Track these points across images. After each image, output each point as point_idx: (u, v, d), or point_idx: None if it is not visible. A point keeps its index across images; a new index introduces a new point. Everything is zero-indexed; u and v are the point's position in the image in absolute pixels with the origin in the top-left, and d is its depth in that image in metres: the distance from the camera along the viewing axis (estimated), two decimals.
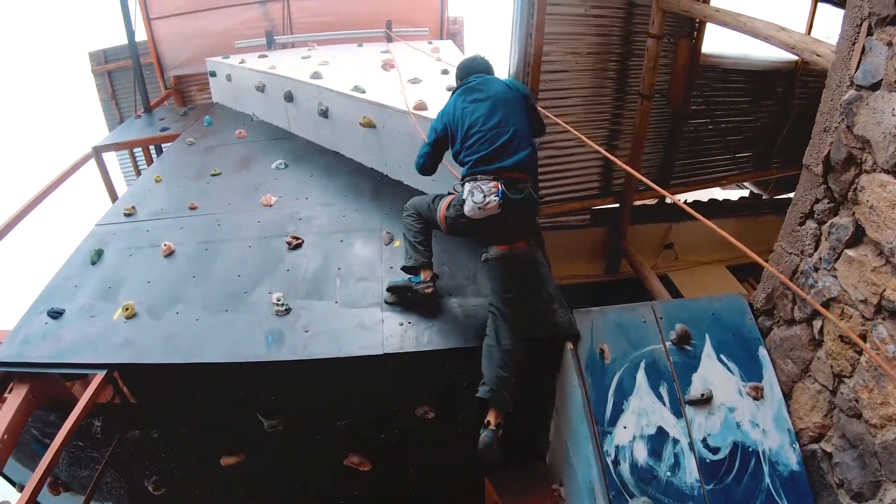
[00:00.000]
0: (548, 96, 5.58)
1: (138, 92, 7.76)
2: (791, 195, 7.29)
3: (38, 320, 4.03)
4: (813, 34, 6.28)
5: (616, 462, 3.20)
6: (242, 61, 6.95)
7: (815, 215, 3.02)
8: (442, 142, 3.51)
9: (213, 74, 7.48)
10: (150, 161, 8.19)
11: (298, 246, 4.33)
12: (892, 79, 2.45)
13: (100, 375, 3.58)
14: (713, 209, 6.88)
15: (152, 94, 8.19)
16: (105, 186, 7.27)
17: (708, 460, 3.15)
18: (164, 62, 8.40)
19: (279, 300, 3.80)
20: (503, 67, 5.53)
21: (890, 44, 2.47)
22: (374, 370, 3.57)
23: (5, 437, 3.44)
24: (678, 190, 6.80)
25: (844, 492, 2.84)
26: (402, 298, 3.73)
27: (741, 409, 3.26)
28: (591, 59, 5.65)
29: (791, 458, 3.12)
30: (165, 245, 4.48)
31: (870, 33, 2.59)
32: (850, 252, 2.75)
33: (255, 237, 4.49)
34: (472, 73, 3.59)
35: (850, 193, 2.74)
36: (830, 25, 6.59)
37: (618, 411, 3.33)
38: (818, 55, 3.73)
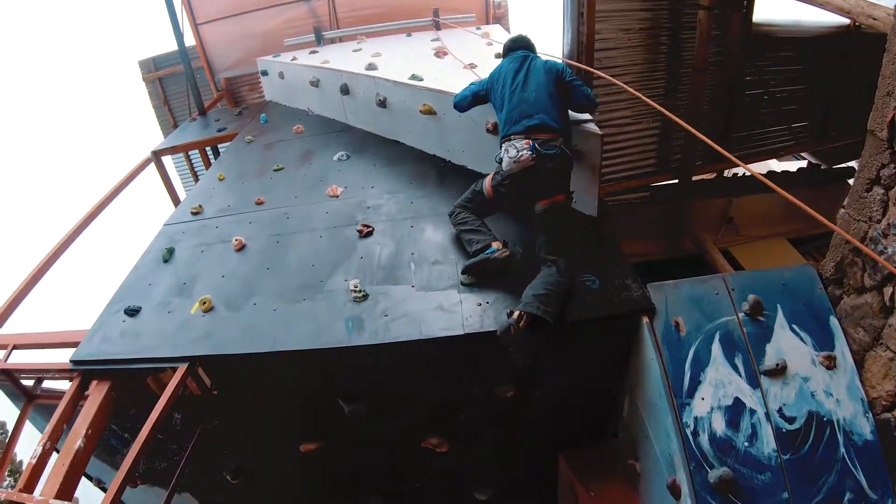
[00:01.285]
0: (604, 64, 5.53)
1: (191, 95, 7.92)
2: (851, 164, 7.16)
3: (116, 319, 4.16)
4: None
5: (695, 433, 3.21)
6: (294, 58, 7.07)
7: (882, 181, 2.97)
8: (481, 95, 4.12)
9: (264, 73, 7.61)
10: (206, 163, 8.39)
11: (369, 234, 4.39)
12: None
13: (182, 368, 3.68)
14: (773, 180, 6.71)
15: (204, 98, 8.35)
16: (165, 188, 7.46)
17: (784, 430, 3.14)
18: (213, 65, 8.58)
19: (356, 287, 3.86)
20: (556, 48, 5.54)
21: None
22: (455, 351, 3.60)
23: (89, 432, 3.59)
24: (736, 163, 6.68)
25: None
26: (481, 274, 3.80)
27: (815, 378, 3.24)
28: (642, 35, 5.59)
29: (865, 428, 3.08)
30: (237, 240, 4.58)
31: None
32: None
33: (326, 227, 4.56)
34: (517, 48, 4.23)
35: None
36: None
37: (695, 383, 3.34)
38: (875, 19, 3.64)
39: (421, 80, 5.14)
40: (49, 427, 3.67)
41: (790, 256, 6.38)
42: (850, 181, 6.69)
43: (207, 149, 8.31)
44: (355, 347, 3.55)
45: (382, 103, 5.54)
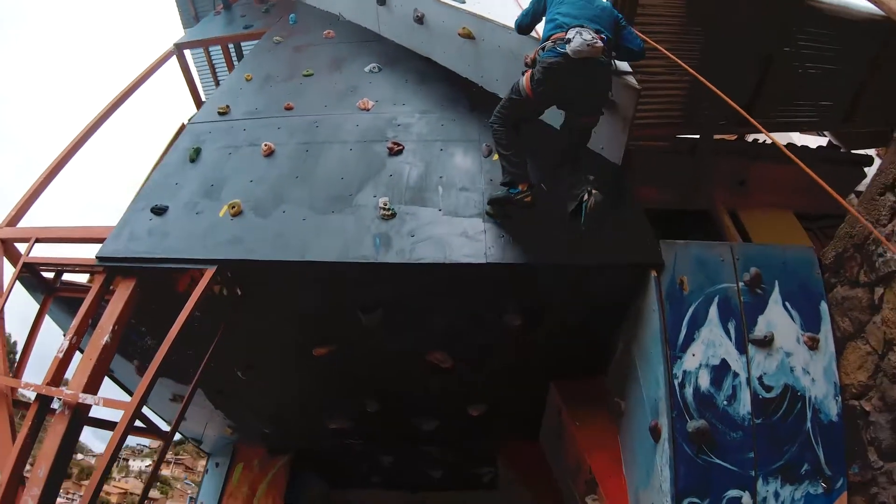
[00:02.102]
0: (642, 21, 5.47)
1: None
2: (870, 151, 7.21)
3: (142, 216, 4.20)
4: None
5: (682, 385, 3.50)
6: None
7: None
8: (541, 7, 3.97)
9: None
10: (228, 61, 8.16)
11: (399, 152, 4.43)
12: None
13: (210, 271, 3.78)
14: (791, 152, 6.78)
15: None
16: (186, 84, 7.30)
17: (761, 397, 3.46)
18: None
19: (385, 205, 3.95)
20: None
21: None
22: (475, 277, 3.77)
23: (115, 328, 3.72)
24: (759, 130, 6.72)
25: (874, 448, 3.11)
26: (504, 211, 3.89)
27: (797, 355, 3.52)
28: None
29: (832, 409, 3.40)
30: (266, 145, 4.59)
31: None
32: None
33: (356, 141, 4.59)
34: None
35: None
36: None
37: (689, 339, 3.61)
38: None
39: (463, 2, 5.05)
40: (75, 321, 3.79)
41: (794, 230, 6.50)
42: (865, 169, 6.84)
43: (230, 46, 8.07)
44: (382, 264, 3.68)
45: (420, 19, 5.46)
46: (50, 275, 4.63)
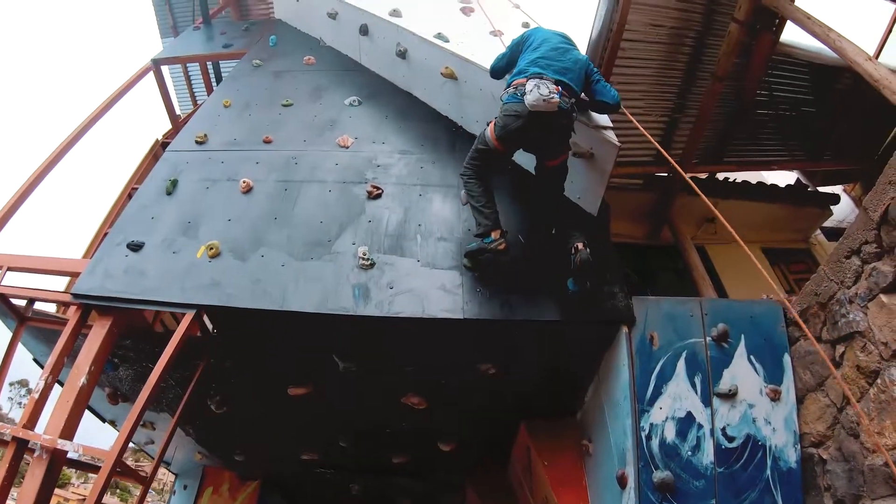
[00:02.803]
0: (622, 64, 5.58)
1: (199, 1, 7.57)
2: (836, 189, 7.47)
3: (118, 252, 4.14)
4: (890, 40, 6.27)
5: (649, 437, 3.66)
6: None
7: (861, 254, 3.30)
8: (517, 53, 4.05)
9: None
10: (206, 78, 8.03)
11: (378, 196, 4.44)
12: None
13: (190, 315, 3.77)
14: (760, 191, 6.99)
15: (210, 2, 7.96)
16: (163, 102, 7.15)
17: (723, 447, 3.62)
18: None
19: (365, 254, 3.97)
20: (585, 31, 5.55)
21: None
22: (452, 330, 3.83)
23: (92, 369, 3.68)
24: (730, 168, 6.92)
25: (830, 496, 3.28)
26: (479, 261, 3.96)
27: (759, 406, 3.69)
28: (670, 33, 5.61)
29: (791, 457, 3.58)
30: (244, 182, 4.55)
31: None
32: (884, 297, 3.06)
33: (335, 181, 4.59)
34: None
35: None
36: None
37: (657, 393, 3.77)
38: None
39: (447, 41, 5.07)
40: (50, 361, 3.73)
41: (760, 262, 6.71)
42: (833, 207, 7.08)
43: (208, 63, 7.95)
44: (361, 317, 3.71)
45: (402, 54, 5.47)
46: (21, 302, 4.49)
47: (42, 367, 5.20)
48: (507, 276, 3.95)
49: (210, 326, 4.01)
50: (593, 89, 4.00)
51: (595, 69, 4.07)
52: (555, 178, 4.01)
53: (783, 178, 8.01)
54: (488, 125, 3.82)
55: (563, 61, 3.82)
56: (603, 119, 4.17)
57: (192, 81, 8.69)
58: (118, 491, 29.75)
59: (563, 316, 3.85)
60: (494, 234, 3.79)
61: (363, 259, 3.97)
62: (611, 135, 4.05)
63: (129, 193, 7.35)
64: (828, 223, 7.46)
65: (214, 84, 7.98)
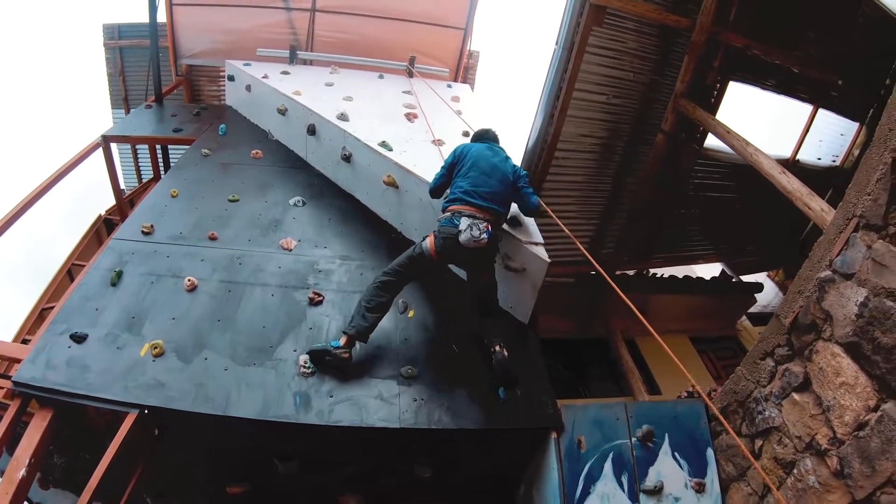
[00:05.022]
0: (556, 171, 5.99)
1: (152, 78, 7.69)
2: (758, 278, 7.98)
3: (60, 342, 4.11)
4: (808, 138, 6.90)
5: None
6: (265, 76, 7.03)
7: (775, 356, 3.68)
8: (451, 169, 4.37)
9: (231, 79, 7.54)
10: (153, 158, 8.12)
11: (320, 303, 4.58)
12: (863, 276, 3.05)
13: (133, 415, 3.76)
14: (686, 285, 7.45)
15: (163, 80, 8.08)
16: (109, 178, 7.13)
17: None
18: (179, 49, 8.26)
19: (305, 363, 4.10)
20: (520, 141, 5.94)
21: (869, 246, 3.03)
22: (389, 438, 3.95)
23: (32, 461, 3.60)
24: (659, 264, 7.38)
25: None
26: (322, 363, 4.13)
27: (685, 499, 3.91)
28: (601, 143, 6.06)
29: None
30: (189, 280, 4.62)
31: (856, 230, 3.14)
32: (796, 395, 3.42)
33: (277, 285, 4.71)
34: (488, 139, 4.67)
35: (806, 351, 3.39)
36: (826, 129, 7.18)
37: (585, 493, 3.95)
38: (809, 208, 4.28)
39: (390, 150, 5.34)
40: None
41: (687, 352, 7.11)
42: (756, 295, 7.57)
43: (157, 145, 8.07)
44: (301, 425, 3.81)
45: (347, 158, 5.70)
46: None
47: None
48: (441, 386, 4.14)
49: (154, 428, 3.99)
50: (519, 195, 4.36)
51: (523, 174, 4.40)
52: (489, 286, 4.29)
53: (709, 270, 8.52)
54: (427, 238, 4.09)
55: (491, 185, 4.18)
56: (536, 235, 4.46)
57: (141, 158, 8.74)
58: None
59: (495, 423, 4.03)
60: (343, 341, 4.06)
61: (304, 367, 4.07)
62: (542, 252, 4.34)
63: (67, 269, 7.28)
64: (753, 309, 7.96)
65: (161, 163, 8.07)
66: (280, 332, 4.35)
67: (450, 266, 4.76)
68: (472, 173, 4.21)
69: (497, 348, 3.96)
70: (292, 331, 4.37)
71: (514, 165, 4.45)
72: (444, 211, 4.15)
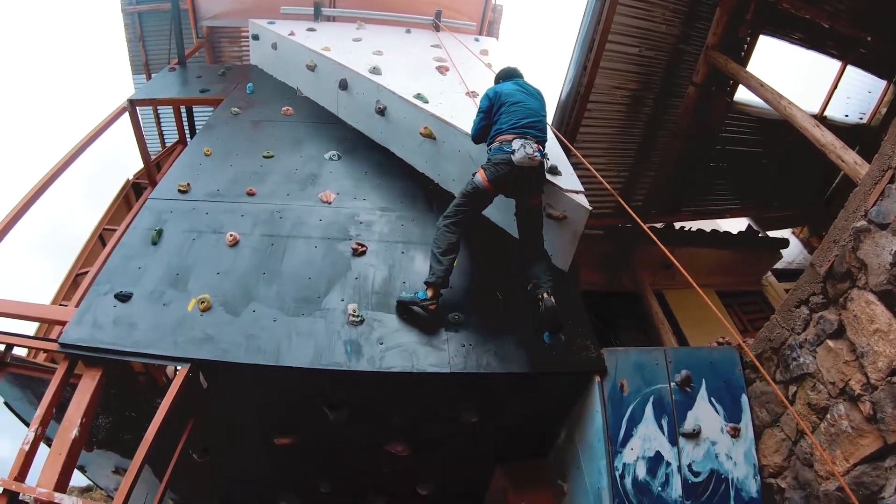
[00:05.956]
0: (588, 123, 5.97)
1: (175, 41, 7.63)
2: (785, 233, 7.99)
3: (105, 302, 4.14)
4: (836, 94, 6.84)
5: (622, 476, 3.95)
6: (292, 33, 6.98)
7: (810, 304, 3.74)
8: (489, 112, 4.43)
9: (255, 38, 7.48)
10: (178, 121, 8.09)
11: (363, 253, 4.62)
12: None
13: (185, 369, 3.81)
14: (714, 239, 7.45)
15: (184, 43, 7.97)
16: (137, 142, 7.10)
17: (690, 482, 3.95)
18: (199, 11, 8.22)
19: (354, 311, 4.15)
20: (555, 90, 5.92)
21: None
22: (438, 383, 4.04)
23: (83, 421, 3.64)
24: (686, 217, 7.38)
25: None
26: (409, 313, 4.22)
27: (721, 443, 4.05)
28: (632, 95, 6.03)
29: (752, 487, 3.94)
30: (231, 235, 4.65)
31: (891, 181, 3.20)
32: (830, 342, 3.50)
33: (320, 237, 4.75)
34: (514, 76, 4.82)
35: (841, 299, 3.44)
36: (854, 86, 7.11)
37: (628, 435, 4.07)
38: (843, 161, 4.29)
39: (426, 102, 5.32)
40: (39, 412, 3.66)
41: (715, 306, 7.15)
42: (782, 251, 7.58)
43: (181, 107, 8.01)
44: (354, 372, 3.88)
45: (382, 111, 5.69)
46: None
47: (12, 410, 5.19)
48: (488, 332, 4.21)
49: (202, 380, 4.03)
50: None
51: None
52: (536, 216, 4.36)
53: (735, 225, 8.51)
54: (477, 172, 4.19)
55: (532, 115, 4.32)
56: (576, 184, 4.48)
57: (164, 122, 8.72)
58: None
59: (542, 367, 4.11)
60: (430, 293, 4.11)
61: (353, 316, 4.12)
62: (582, 199, 4.36)
63: (99, 234, 7.33)
64: (778, 265, 7.99)
65: (186, 126, 8.05)
66: (326, 283, 4.40)
67: (494, 222, 4.83)
68: (514, 108, 4.30)
69: (544, 295, 3.99)
70: (338, 281, 4.42)
71: (540, 91, 4.64)
72: (490, 144, 4.26)
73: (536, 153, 4.04)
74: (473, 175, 4.22)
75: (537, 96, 4.54)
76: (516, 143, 4.05)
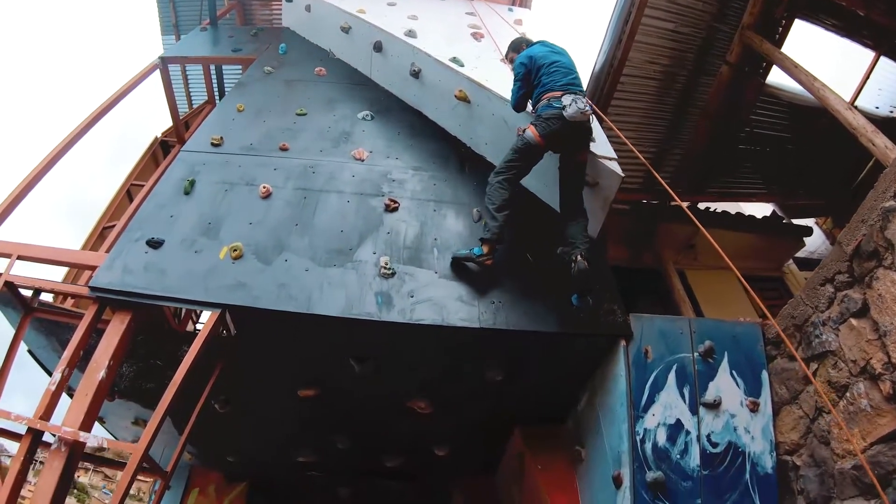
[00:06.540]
0: (620, 96, 5.97)
1: (206, 1, 7.66)
2: (809, 222, 7.97)
3: (137, 248, 4.18)
4: (867, 86, 6.79)
5: (643, 441, 4.01)
6: None
7: (835, 282, 3.74)
8: (528, 78, 4.44)
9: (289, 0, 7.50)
10: (207, 81, 8.08)
11: (395, 209, 4.66)
12: None
13: (215, 314, 3.84)
14: (738, 222, 7.43)
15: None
16: (167, 100, 7.15)
17: (708, 452, 3.99)
18: None
19: (386, 264, 4.19)
20: (587, 63, 5.91)
21: None
22: (467, 338, 4.08)
23: (111, 363, 3.66)
24: (712, 198, 7.37)
25: (803, 497, 3.68)
26: (462, 268, 4.29)
27: (740, 416, 4.08)
28: (665, 70, 6.01)
29: (768, 463, 3.97)
30: (264, 187, 4.68)
31: None
32: (853, 321, 3.49)
33: (352, 192, 4.78)
34: (538, 40, 4.79)
35: (866, 278, 3.43)
36: (886, 78, 7.04)
37: (651, 401, 4.12)
38: (874, 145, 4.28)
39: (462, 65, 5.32)
40: (67, 353, 3.68)
41: (735, 288, 7.15)
42: (805, 239, 7.55)
43: (211, 67, 7.98)
44: (384, 322, 3.92)
45: (416, 74, 5.69)
46: (27, 293, 4.35)
47: (36, 358, 5.24)
48: (519, 291, 4.25)
49: (231, 327, 4.09)
50: None
51: None
52: (581, 172, 4.40)
53: (760, 209, 8.47)
54: (527, 128, 4.23)
55: (571, 73, 4.41)
56: (609, 151, 4.49)
57: (192, 83, 8.74)
58: (75, 491, 28.61)
59: (569, 328, 4.16)
60: (486, 248, 4.14)
61: (385, 268, 4.17)
62: (616, 166, 4.37)
63: (126, 189, 7.39)
64: (800, 254, 7.96)
65: (215, 87, 8.08)
66: (359, 236, 4.44)
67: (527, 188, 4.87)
68: (553, 68, 4.35)
69: (578, 258, 4.02)
70: (370, 235, 4.46)
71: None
72: (537, 104, 4.30)
73: (587, 108, 4.13)
74: (524, 132, 4.25)
75: (566, 55, 4.58)
76: (566, 99, 4.11)
